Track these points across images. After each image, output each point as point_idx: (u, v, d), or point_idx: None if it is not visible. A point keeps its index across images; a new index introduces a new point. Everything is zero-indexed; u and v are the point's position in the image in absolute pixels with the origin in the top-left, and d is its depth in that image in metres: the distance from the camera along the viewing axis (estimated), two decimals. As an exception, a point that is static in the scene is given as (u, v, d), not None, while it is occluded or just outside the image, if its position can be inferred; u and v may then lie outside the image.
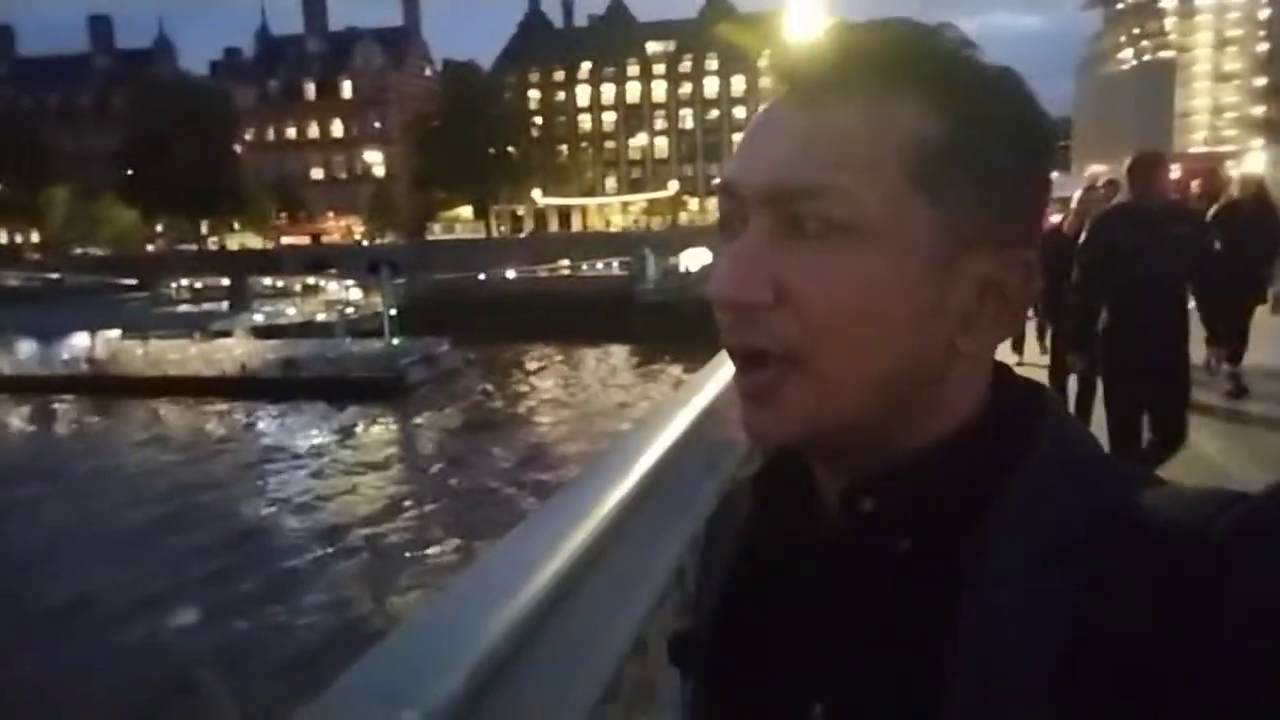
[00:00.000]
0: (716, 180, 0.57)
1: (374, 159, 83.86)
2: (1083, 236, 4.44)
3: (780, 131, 0.53)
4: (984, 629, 0.48)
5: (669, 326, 29.48)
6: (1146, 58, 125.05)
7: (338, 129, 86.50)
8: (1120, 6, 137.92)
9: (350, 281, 43.50)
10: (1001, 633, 0.47)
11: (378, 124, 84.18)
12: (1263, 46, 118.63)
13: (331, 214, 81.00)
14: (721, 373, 2.48)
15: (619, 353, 33.15)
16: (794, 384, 0.52)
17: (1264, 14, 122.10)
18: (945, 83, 0.51)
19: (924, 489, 0.53)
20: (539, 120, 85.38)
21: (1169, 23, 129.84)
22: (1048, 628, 0.46)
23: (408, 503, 17.26)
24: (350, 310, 37.35)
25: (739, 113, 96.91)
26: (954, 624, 0.48)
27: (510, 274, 45.86)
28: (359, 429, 23.95)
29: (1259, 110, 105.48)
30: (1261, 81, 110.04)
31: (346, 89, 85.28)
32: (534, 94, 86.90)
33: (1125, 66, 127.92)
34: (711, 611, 0.64)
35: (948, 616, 0.49)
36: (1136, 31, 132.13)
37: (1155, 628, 0.44)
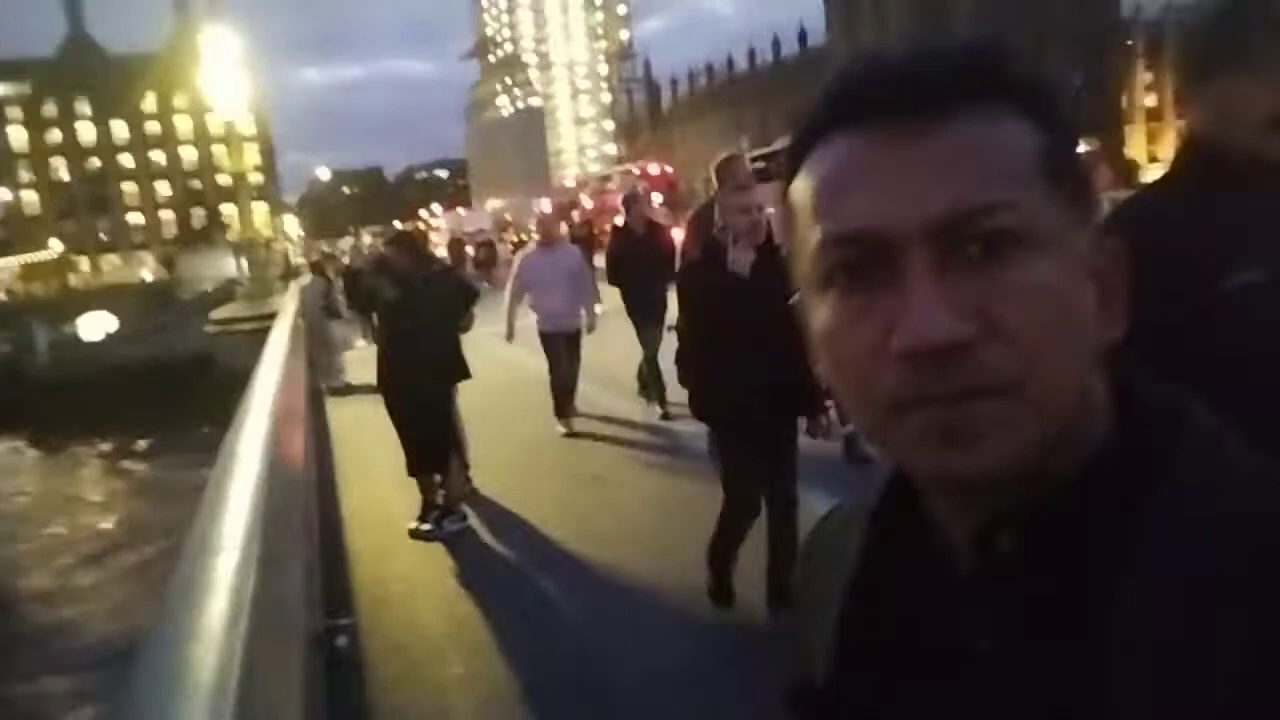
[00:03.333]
0: (829, 232, 0.51)
1: None
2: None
3: (916, 160, 0.49)
4: (1140, 671, 0.45)
5: (74, 407, 25.76)
6: (520, 105, 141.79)
7: None
8: (493, 59, 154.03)
9: None
10: (1161, 675, 0.44)
11: None
12: (607, 97, 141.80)
13: None
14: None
15: (10, 445, 28.03)
16: (1013, 412, 0.48)
17: (603, 69, 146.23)
18: (1032, 93, 0.52)
19: (1068, 522, 0.50)
20: None
21: (533, 74, 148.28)
22: (1212, 668, 0.44)
23: None
24: None
25: (126, 161, 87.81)
26: (1104, 666, 0.46)
27: None
28: None
29: (611, 148, 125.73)
30: (610, 125, 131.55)
31: None
32: None
33: (505, 112, 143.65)
34: (828, 662, 0.60)
35: (1095, 659, 0.46)
36: (509, 81, 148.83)
37: None
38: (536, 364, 7.59)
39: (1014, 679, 0.50)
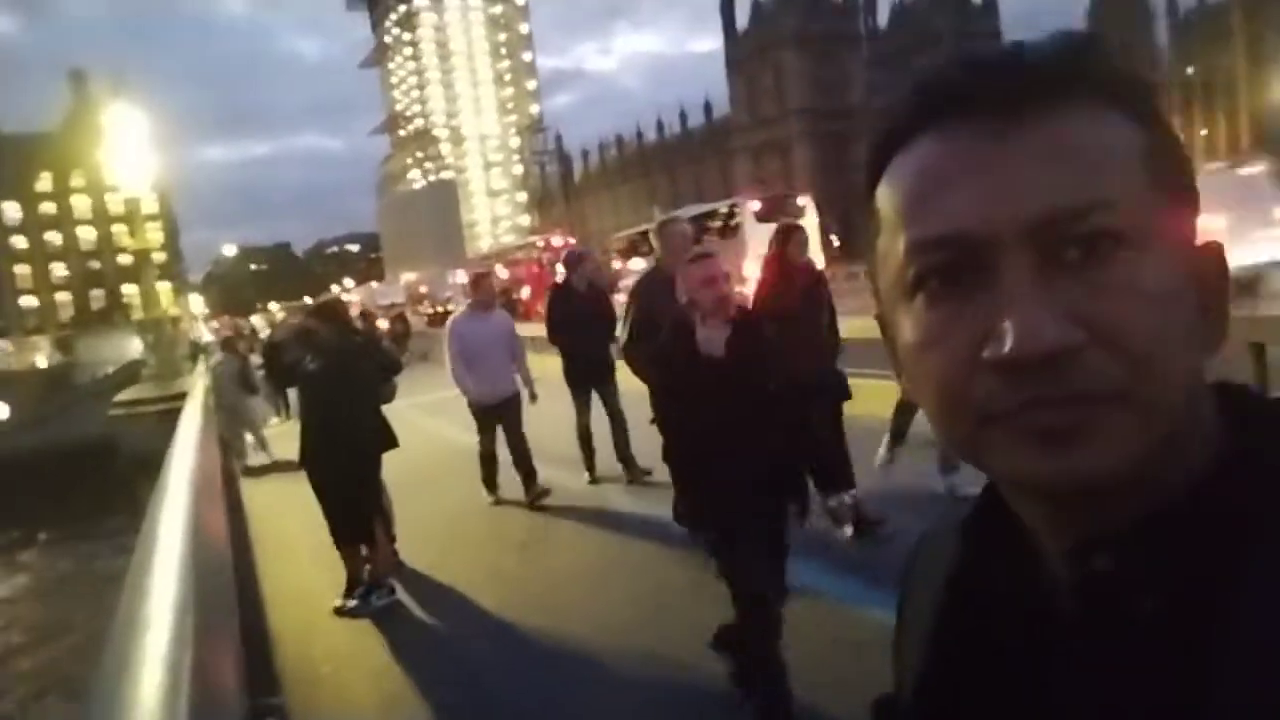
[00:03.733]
0: (918, 237, 0.49)
1: None
2: None
3: (1009, 158, 0.47)
4: (1254, 693, 0.42)
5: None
6: (432, 178, 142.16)
7: None
8: (403, 133, 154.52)
9: None
10: (1277, 698, 0.42)
11: None
12: (519, 169, 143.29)
13: None
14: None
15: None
16: (1116, 416, 0.46)
17: (514, 141, 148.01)
18: (1129, 91, 0.50)
19: (1172, 541, 0.47)
20: None
21: (444, 148, 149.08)
22: None
23: None
24: None
25: (19, 242, 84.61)
26: (1211, 687, 0.44)
27: None
28: None
29: (526, 219, 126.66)
30: (523, 196, 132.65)
31: None
32: None
33: (416, 186, 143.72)
34: (917, 678, 0.60)
35: (1201, 680, 0.44)
36: (420, 155, 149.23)
37: None
38: (457, 434, 7.54)
39: (1111, 701, 0.48)
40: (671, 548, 5.43)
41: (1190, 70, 69.82)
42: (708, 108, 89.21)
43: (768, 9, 79.87)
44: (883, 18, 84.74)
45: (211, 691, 2.17)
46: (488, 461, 7.06)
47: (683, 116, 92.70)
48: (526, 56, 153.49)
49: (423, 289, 68.25)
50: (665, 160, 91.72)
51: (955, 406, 0.49)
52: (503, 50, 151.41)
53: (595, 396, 7.13)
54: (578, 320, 6.96)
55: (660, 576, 4.96)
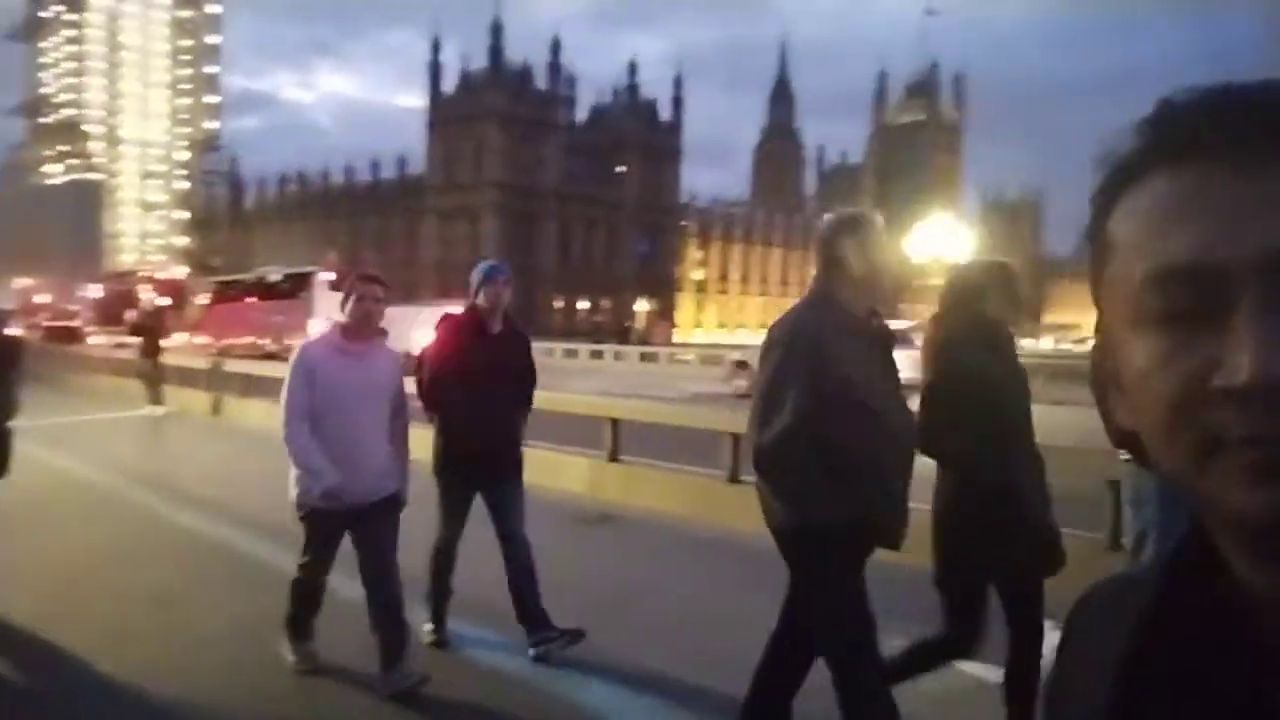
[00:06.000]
0: (1156, 265, 0.50)
1: None
2: None
3: (1254, 192, 0.48)
4: None
5: None
6: (75, 176, 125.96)
7: None
8: (47, 120, 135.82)
9: None
10: None
11: None
12: (183, 184, 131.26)
13: None
14: None
15: None
16: None
17: (183, 155, 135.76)
18: None
19: None
20: None
21: (96, 147, 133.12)
22: None
23: None
24: None
25: None
26: None
27: None
28: None
29: (183, 240, 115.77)
30: (184, 215, 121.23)
31: None
32: None
33: (54, 181, 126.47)
34: (1106, 711, 0.58)
35: None
36: (65, 149, 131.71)
37: None
38: (74, 467, 6.59)
39: None
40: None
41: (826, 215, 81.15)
42: (402, 162, 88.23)
43: (476, 81, 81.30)
44: (582, 113, 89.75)
45: None
46: (307, 598, 4.23)
47: (375, 166, 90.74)
48: (211, 69, 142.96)
49: (42, 298, 59.93)
50: (351, 206, 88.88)
51: (1179, 432, 0.49)
52: (185, 57, 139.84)
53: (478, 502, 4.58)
54: (484, 370, 4.40)
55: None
